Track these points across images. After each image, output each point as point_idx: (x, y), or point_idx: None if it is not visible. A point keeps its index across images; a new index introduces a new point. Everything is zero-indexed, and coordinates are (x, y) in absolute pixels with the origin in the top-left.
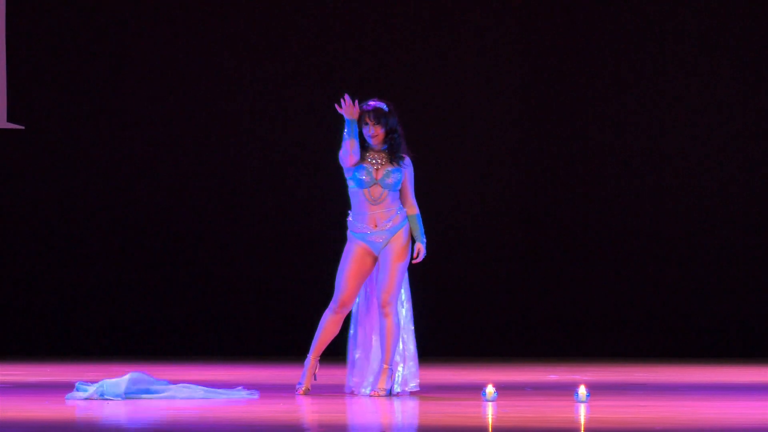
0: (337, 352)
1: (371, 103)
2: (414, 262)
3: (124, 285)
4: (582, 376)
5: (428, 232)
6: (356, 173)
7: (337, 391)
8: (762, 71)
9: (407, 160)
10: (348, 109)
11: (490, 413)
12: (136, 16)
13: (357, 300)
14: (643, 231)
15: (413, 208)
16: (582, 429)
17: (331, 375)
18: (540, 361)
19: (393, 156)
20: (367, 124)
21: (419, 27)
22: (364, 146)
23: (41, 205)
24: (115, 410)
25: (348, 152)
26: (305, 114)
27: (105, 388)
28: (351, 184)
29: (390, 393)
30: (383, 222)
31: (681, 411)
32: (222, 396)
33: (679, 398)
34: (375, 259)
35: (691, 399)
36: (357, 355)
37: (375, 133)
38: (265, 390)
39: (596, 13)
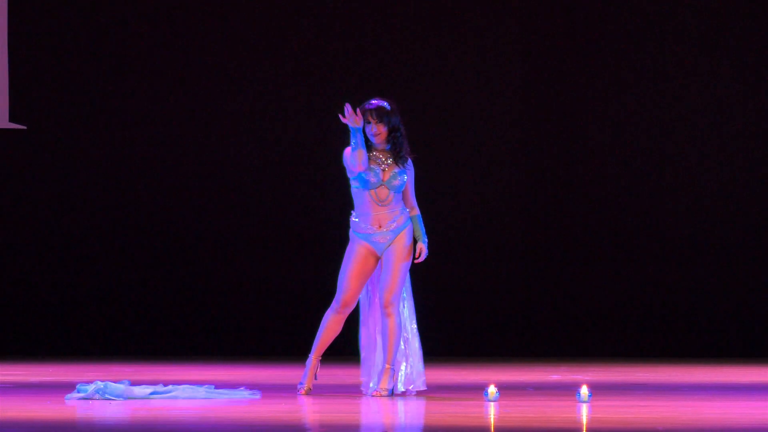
0: (338, 352)
1: (373, 101)
2: (416, 261)
3: (125, 285)
4: (584, 376)
5: (429, 232)
6: (363, 174)
7: (339, 390)
8: (762, 71)
9: (409, 162)
10: (351, 117)
11: (492, 413)
12: (137, 16)
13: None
14: (643, 231)
15: (414, 209)
16: (584, 429)
17: (332, 375)
18: (542, 361)
19: (397, 155)
20: (369, 122)
21: (419, 27)
22: (367, 145)
23: (43, 205)
24: (116, 410)
25: (357, 163)
26: (305, 114)
27: (105, 388)
28: (356, 185)
29: (392, 393)
30: (388, 223)
31: (682, 411)
32: (224, 396)
33: (680, 398)
34: (377, 259)
35: (692, 399)
36: (362, 355)
37: (378, 131)
38: (267, 390)
39: (596, 13)
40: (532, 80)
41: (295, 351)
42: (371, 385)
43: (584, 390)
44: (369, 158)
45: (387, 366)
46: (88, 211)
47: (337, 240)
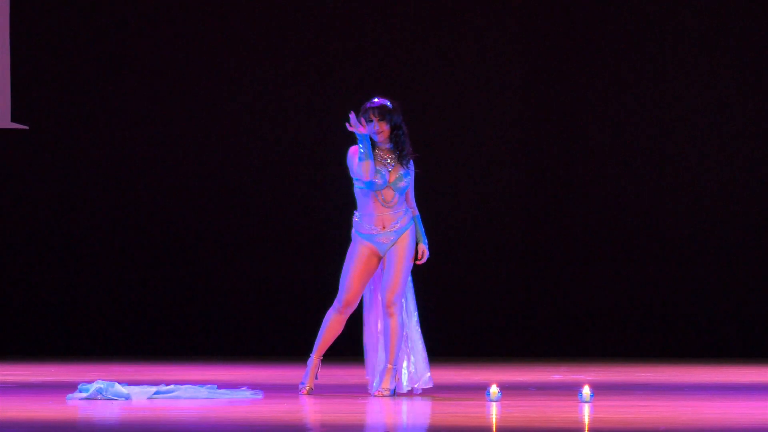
0: (339, 352)
1: (375, 100)
2: (418, 263)
3: (127, 285)
4: (586, 376)
5: (429, 233)
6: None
7: (340, 390)
8: (762, 71)
9: (410, 163)
10: (357, 125)
11: (494, 413)
12: (137, 16)
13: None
14: (643, 231)
15: (414, 210)
16: (586, 429)
17: (333, 375)
18: (544, 361)
19: (399, 153)
20: (371, 120)
21: (419, 27)
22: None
23: (44, 205)
24: (117, 410)
25: (363, 174)
26: (305, 114)
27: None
28: (360, 185)
29: (394, 393)
30: (391, 224)
31: (684, 411)
32: (226, 396)
33: (681, 398)
34: (380, 259)
35: (693, 399)
36: (366, 355)
37: (380, 129)
38: (268, 390)
39: (596, 13)
40: (532, 80)
41: (296, 351)
42: (374, 384)
43: (586, 390)
44: (375, 159)
45: (389, 366)
46: (89, 211)
47: (338, 240)
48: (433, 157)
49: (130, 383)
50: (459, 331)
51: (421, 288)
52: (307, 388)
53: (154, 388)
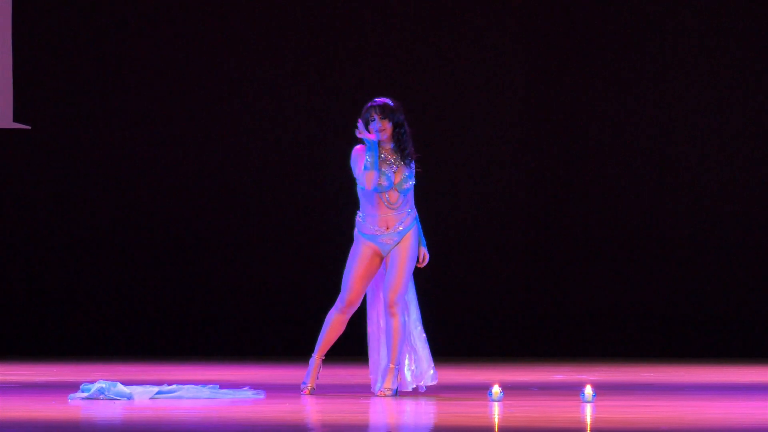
0: (341, 352)
1: (378, 99)
2: (419, 266)
3: (129, 284)
4: (588, 376)
5: (430, 233)
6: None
7: (342, 390)
8: (762, 71)
9: (413, 165)
10: (365, 132)
11: (496, 413)
12: (138, 16)
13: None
14: (644, 231)
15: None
16: (588, 429)
17: (335, 375)
18: (546, 361)
19: (402, 153)
20: (374, 119)
21: (419, 27)
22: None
23: (46, 205)
24: (119, 410)
25: (366, 183)
26: (305, 114)
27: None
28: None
29: (396, 393)
30: (395, 224)
31: (686, 411)
32: (228, 396)
33: (683, 398)
34: (382, 259)
35: (695, 399)
36: (370, 354)
37: (382, 127)
38: (270, 390)
39: (596, 13)
40: (532, 80)
41: (298, 351)
42: (377, 384)
43: (588, 390)
44: (380, 160)
45: (391, 366)
46: (92, 211)
47: (340, 240)
48: (434, 157)
49: (132, 383)
50: (461, 331)
51: (422, 288)
52: (309, 387)
53: (156, 388)
